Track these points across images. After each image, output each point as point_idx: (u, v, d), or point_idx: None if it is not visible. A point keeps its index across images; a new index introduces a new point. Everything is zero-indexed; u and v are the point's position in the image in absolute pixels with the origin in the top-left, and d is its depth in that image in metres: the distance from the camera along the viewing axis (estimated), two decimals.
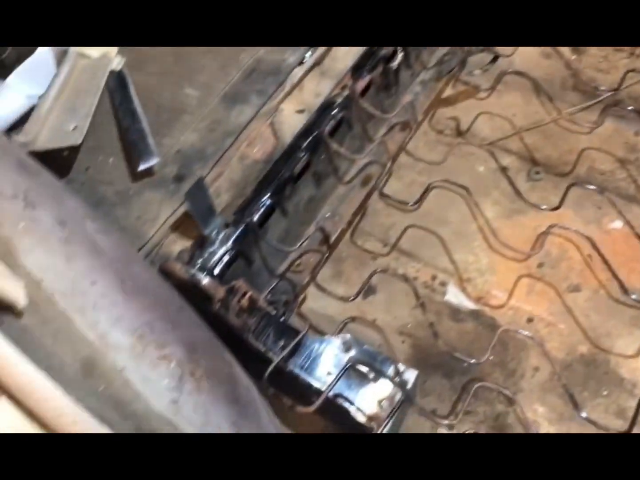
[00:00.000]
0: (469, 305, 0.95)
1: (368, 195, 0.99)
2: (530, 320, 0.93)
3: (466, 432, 0.76)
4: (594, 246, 0.85)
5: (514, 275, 0.97)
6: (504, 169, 0.98)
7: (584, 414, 0.73)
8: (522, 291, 0.96)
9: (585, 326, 0.91)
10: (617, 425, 0.80)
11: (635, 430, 0.76)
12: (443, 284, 0.97)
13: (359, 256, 1.01)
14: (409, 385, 0.74)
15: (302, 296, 0.94)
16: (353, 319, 0.87)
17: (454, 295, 0.96)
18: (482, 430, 0.84)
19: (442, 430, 0.84)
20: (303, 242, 0.82)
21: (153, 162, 0.83)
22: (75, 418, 0.41)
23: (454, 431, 0.84)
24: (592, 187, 0.92)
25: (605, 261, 0.83)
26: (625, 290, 0.80)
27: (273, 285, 0.76)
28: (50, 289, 0.46)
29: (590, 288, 0.95)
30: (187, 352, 0.56)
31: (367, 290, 0.97)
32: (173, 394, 0.52)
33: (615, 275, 0.81)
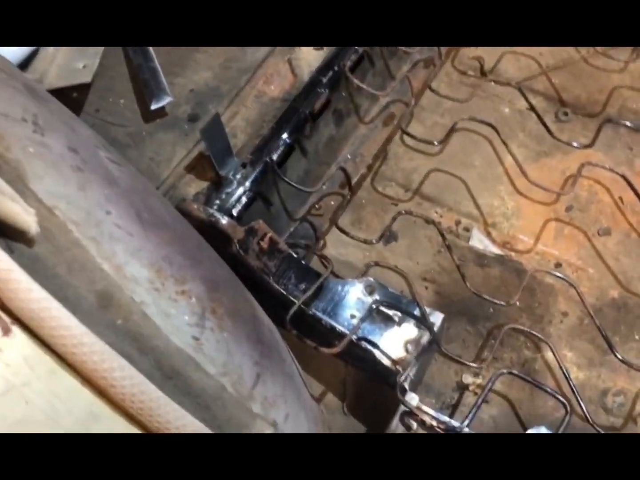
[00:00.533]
0: (495, 250, 0.92)
1: (390, 137, 0.95)
2: (558, 265, 0.90)
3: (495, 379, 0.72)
4: (628, 183, 0.81)
5: (541, 219, 0.93)
6: (532, 108, 0.93)
7: (619, 356, 0.70)
8: (549, 235, 0.92)
9: (616, 270, 0.88)
10: None
11: None
12: (467, 229, 0.94)
13: (379, 202, 0.97)
14: (436, 328, 0.71)
15: (322, 241, 0.91)
16: (376, 263, 0.84)
17: (479, 240, 0.93)
18: (510, 376, 0.82)
19: (468, 377, 0.82)
20: (324, 184, 0.78)
21: (166, 101, 0.80)
22: (92, 348, 0.39)
23: (479, 380, 0.82)
24: (627, 123, 0.87)
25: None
26: None
27: (294, 228, 0.73)
28: (63, 217, 0.44)
29: (621, 231, 0.91)
30: (208, 289, 0.53)
31: (388, 236, 0.94)
32: (194, 330, 0.50)
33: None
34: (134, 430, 0.44)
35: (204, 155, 0.76)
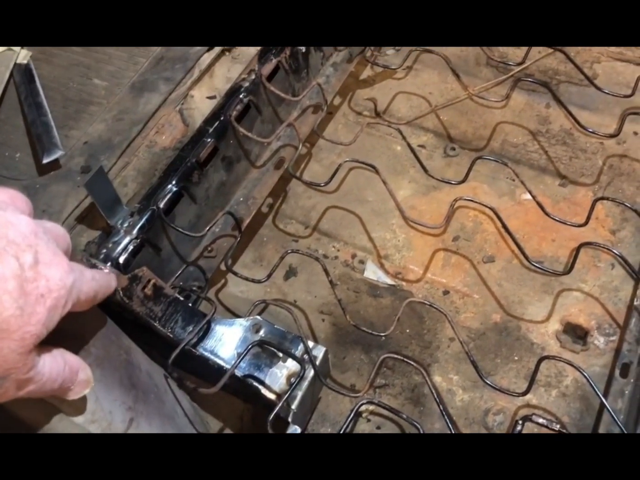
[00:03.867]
0: (387, 280, 0.97)
1: (283, 179, 1.00)
2: (446, 292, 0.95)
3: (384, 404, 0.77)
4: (496, 215, 0.87)
5: (430, 250, 0.99)
6: (410, 147, 0.99)
7: (488, 381, 0.75)
8: (438, 264, 0.98)
9: (498, 295, 0.94)
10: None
11: (533, 391, 0.79)
12: (362, 262, 0.99)
13: (280, 239, 1.02)
14: (318, 361, 0.75)
15: (222, 281, 0.95)
16: (264, 301, 0.88)
17: (373, 272, 0.98)
18: (401, 399, 0.86)
19: (363, 404, 0.86)
20: (211, 227, 0.82)
21: (57, 154, 0.83)
22: None
23: (372, 406, 0.86)
24: (492, 158, 0.94)
25: (506, 230, 0.85)
26: (527, 259, 0.82)
27: (180, 272, 0.77)
28: None
29: (504, 258, 0.98)
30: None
31: (288, 272, 0.98)
32: None
33: (518, 245, 0.83)
34: None
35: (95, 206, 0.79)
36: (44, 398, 0.51)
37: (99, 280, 0.55)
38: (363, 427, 0.85)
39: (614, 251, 0.81)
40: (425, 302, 0.83)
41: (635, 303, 0.84)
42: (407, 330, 0.92)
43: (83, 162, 0.85)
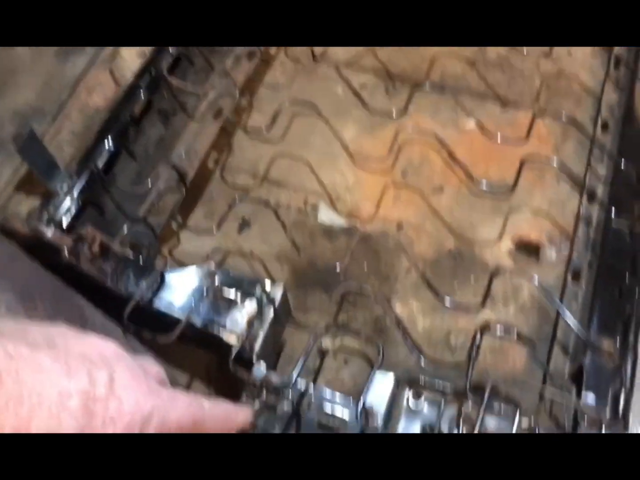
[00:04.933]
0: (341, 222, 0.97)
1: (227, 132, 0.99)
2: (399, 226, 0.96)
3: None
4: (442, 143, 0.88)
5: (380, 187, 1.00)
6: (360, 87, 0.99)
7: (447, 304, 0.77)
8: (389, 201, 0.99)
9: (450, 223, 0.96)
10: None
11: (488, 305, 0.81)
12: (315, 207, 0.99)
13: (230, 193, 1.01)
14: (277, 300, 0.75)
15: (173, 240, 0.94)
16: (217, 249, 0.88)
17: (326, 215, 0.98)
18: (363, 334, 0.87)
19: (327, 342, 0.87)
20: (153, 182, 0.81)
21: None
22: None
23: (337, 342, 0.87)
24: (428, 88, 0.95)
25: (452, 157, 0.85)
26: (472, 179, 0.83)
27: (126, 229, 0.76)
28: None
29: (453, 187, 0.99)
30: (20, 299, 0.55)
31: (241, 224, 0.98)
32: None
33: (466, 171, 0.84)
34: None
35: (32, 173, 0.77)
36: None
37: (207, 412, 0.46)
38: (330, 365, 0.86)
39: (554, 164, 0.83)
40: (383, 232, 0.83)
41: (581, 212, 0.86)
42: (365, 266, 0.93)
43: (15, 131, 0.82)
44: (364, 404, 0.70)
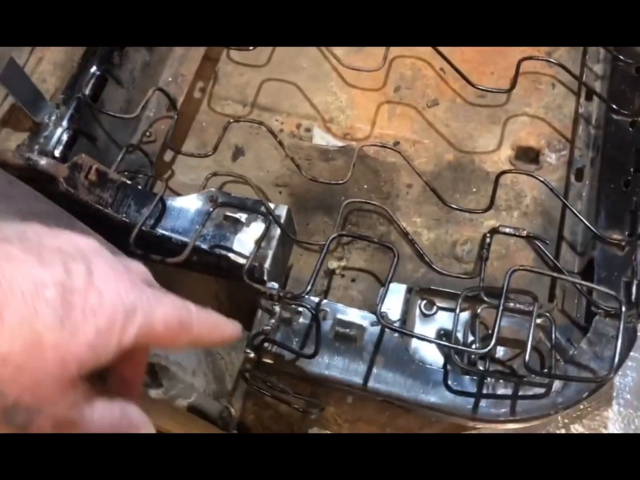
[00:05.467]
0: (337, 143, 0.96)
1: (211, 60, 0.96)
2: (396, 143, 0.95)
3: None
4: (438, 53, 0.85)
5: (374, 105, 0.98)
6: None
7: (452, 205, 0.77)
8: (384, 118, 0.97)
9: (448, 135, 0.94)
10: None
11: (492, 213, 0.81)
12: (308, 130, 0.97)
13: (220, 122, 0.97)
14: (282, 219, 0.74)
15: (169, 172, 0.91)
16: (214, 174, 0.85)
17: (321, 138, 0.96)
18: (369, 251, 0.87)
19: (333, 263, 0.86)
20: (144, 107, 0.78)
21: None
22: None
23: (344, 262, 0.87)
24: None
25: (451, 65, 0.83)
26: (472, 85, 0.81)
27: (121, 156, 0.73)
28: None
29: (447, 99, 0.97)
30: (21, 221, 0.53)
31: (235, 152, 0.96)
32: None
33: (462, 75, 0.82)
34: None
35: (17, 107, 0.74)
36: None
37: (194, 315, 0.42)
38: (338, 283, 0.86)
39: (552, 60, 0.81)
40: (378, 143, 0.82)
41: (580, 110, 0.85)
42: (365, 186, 0.92)
43: None
44: (380, 311, 0.70)
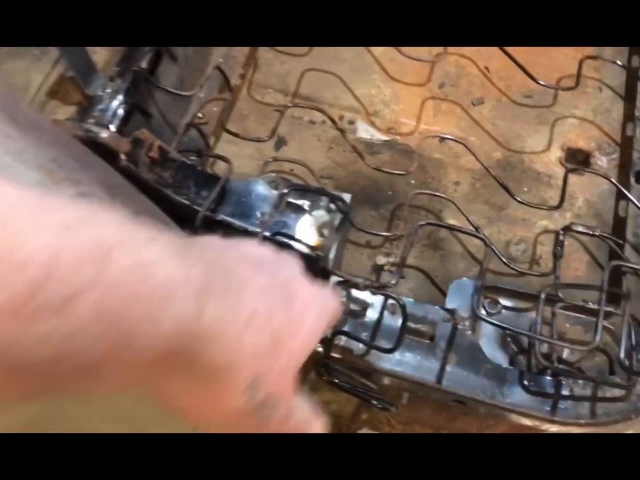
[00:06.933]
0: (381, 137, 0.93)
1: (251, 48, 0.92)
2: (441, 139, 0.93)
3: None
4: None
5: (419, 100, 0.95)
6: None
7: (518, 198, 0.75)
8: (429, 114, 0.95)
9: (495, 134, 0.93)
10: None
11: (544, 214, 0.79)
12: (352, 122, 0.94)
13: (261, 110, 0.94)
14: (346, 207, 0.71)
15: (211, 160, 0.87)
16: (274, 159, 0.82)
17: (365, 131, 0.93)
18: (419, 247, 0.84)
19: (381, 259, 0.83)
20: (201, 86, 0.74)
21: None
22: None
23: (392, 258, 0.84)
24: None
25: (509, 57, 0.81)
26: (533, 79, 0.79)
27: (182, 134, 0.69)
28: None
29: (493, 98, 0.96)
30: (107, 192, 0.49)
31: (278, 142, 0.92)
32: None
33: (521, 67, 0.80)
34: None
35: (65, 78, 0.69)
36: None
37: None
38: (387, 280, 0.82)
39: (617, 62, 0.80)
40: (443, 135, 0.80)
41: (636, 113, 0.84)
42: (412, 181, 0.89)
43: None
44: (448, 308, 0.68)
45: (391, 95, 0.96)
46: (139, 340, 0.27)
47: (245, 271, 0.36)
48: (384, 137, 0.93)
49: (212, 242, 0.39)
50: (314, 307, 0.39)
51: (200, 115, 0.77)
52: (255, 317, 0.33)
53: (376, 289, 0.60)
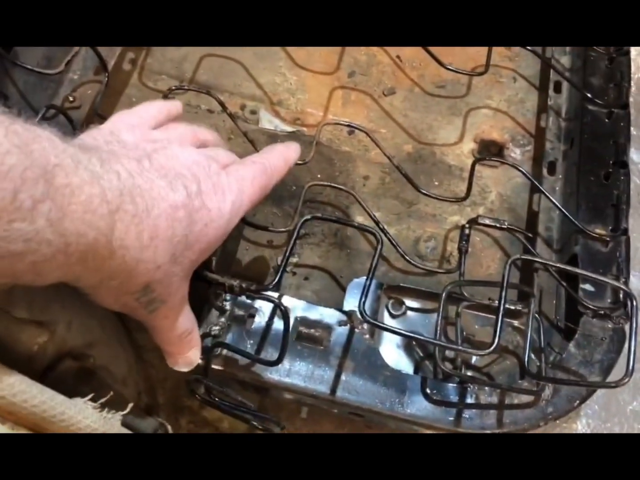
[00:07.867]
0: (286, 128, 0.86)
1: None
2: (350, 131, 0.87)
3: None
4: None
5: (327, 89, 0.89)
6: None
7: (423, 190, 0.69)
8: (337, 104, 0.89)
9: (406, 126, 0.87)
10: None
11: (456, 209, 0.74)
12: (254, 112, 0.87)
13: (152, 98, 0.85)
14: None
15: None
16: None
17: (268, 121, 0.86)
18: (324, 246, 0.78)
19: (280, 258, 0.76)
20: (67, 64, 0.65)
21: None
22: None
23: (295, 258, 0.77)
24: None
25: (427, 52, 0.75)
26: (443, 66, 0.73)
27: (41, 115, 0.59)
28: None
29: (405, 88, 0.90)
30: None
31: None
32: None
33: (433, 57, 0.74)
34: None
35: None
36: None
37: (269, 167, 0.58)
38: (290, 282, 0.76)
39: (528, 47, 0.76)
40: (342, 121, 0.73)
41: (549, 102, 0.80)
42: (319, 175, 0.83)
43: None
44: (345, 310, 0.61)
45: (297, 84, 0.89)
46: (72, 247, 0.36)
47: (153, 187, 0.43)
48: (289, 128, 0.86)
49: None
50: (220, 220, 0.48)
51: (71, 98, 0.68)
52: (157, 236, 0.42)
53: (253, 292, 0.53)
